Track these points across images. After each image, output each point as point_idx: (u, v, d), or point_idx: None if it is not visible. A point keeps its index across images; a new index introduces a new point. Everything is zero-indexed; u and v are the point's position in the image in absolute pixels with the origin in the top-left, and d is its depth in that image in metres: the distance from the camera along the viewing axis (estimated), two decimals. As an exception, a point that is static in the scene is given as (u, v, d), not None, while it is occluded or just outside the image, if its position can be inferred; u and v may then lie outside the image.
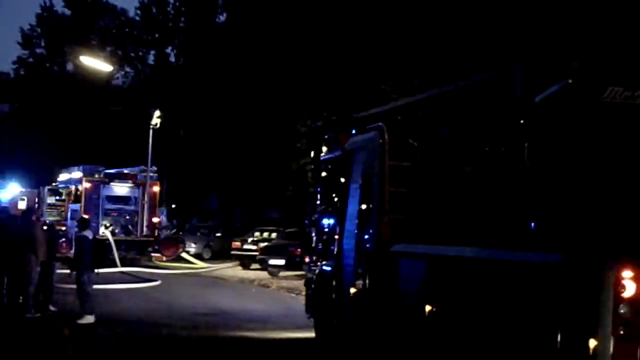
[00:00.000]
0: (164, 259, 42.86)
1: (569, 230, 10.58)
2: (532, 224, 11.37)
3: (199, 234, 52.60)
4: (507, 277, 11.31)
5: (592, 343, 9.55)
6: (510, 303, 11.10)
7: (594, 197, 10.55)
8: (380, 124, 15.77)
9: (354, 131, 17.46)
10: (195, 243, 50.23)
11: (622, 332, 9.46)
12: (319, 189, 19.38)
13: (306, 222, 20.04)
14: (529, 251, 10.91)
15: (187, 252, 45.92)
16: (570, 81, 10.73)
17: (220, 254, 48.21)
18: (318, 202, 19.15)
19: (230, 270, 41.96)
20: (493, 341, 11.42)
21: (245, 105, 53.27)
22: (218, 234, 52.43)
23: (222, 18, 67.73)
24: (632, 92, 10.37)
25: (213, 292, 30.61)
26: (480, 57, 25.17)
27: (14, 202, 39.57)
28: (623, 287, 9.44)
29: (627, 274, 9.45)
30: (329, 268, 17.45)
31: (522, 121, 11.53)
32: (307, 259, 20.59)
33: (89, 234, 20.79)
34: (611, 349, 9.45)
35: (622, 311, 9.47)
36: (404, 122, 15.93)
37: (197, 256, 47.49)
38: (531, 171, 11.44)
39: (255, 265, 41.43)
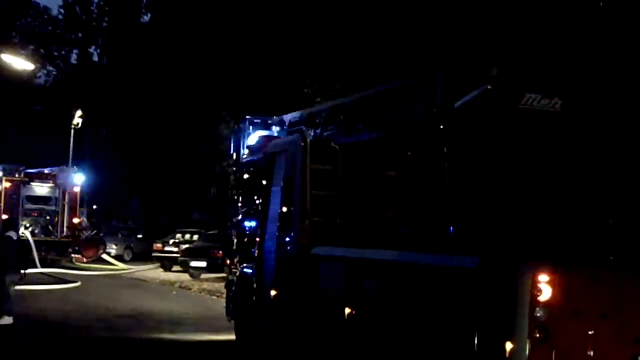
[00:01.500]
0: (85, 260, 42.38)
1: (486, 234, 10.71)
2: (451, 228, 11.50)
3: (120, 235, 52.12)
4: (425, 281, 11.41)
5: (509, 346, 9.68)
6: (429, 306, 11.19)
7: (511, 202, 10.69)
8: (302, 127, 15.79)
9: (276, 134, 17.46)
10: (116, 245, 49.80)
11: (538, 336, 9.60)
12: (240, 192, 19.34)
13: (228, 224, 19.99)
14: (448, 255, 11.02)
15: (108, 254, 45.46)
16: (489, 87, 10.86)
17: (142, 256, 47.84)
18: (240, 204, 19.12)
19: (151, 272, 41.64)
20: (412, 344, 11.51)
21: (169, 107, 52.96)
22: (140, 236, 52.04)
23: (147, 18, 67.29)
24: (549, 99, 10.54)
25: (133, 294, 30.34)
26: (404, 62, 25.36)
27: None
28: (539, 290, 9.58)
29: (543, 278, 9.59)
30: (250, 271, 17.43)
31: (442, 126, 11.65)
32: (228, 262, 20.54)
33: (13, 234, 20.46)
34: (527, 352, 9.58)
35: (538, 315, 9.61)
36: (326, 126, 15.99)
37: (119, 258, 47.07)
38: (450, 176, 11.58)
39: (176, 268, 41.18)
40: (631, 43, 11.18)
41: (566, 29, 13.14)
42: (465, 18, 25.05)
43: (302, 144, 15.36)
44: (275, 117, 18.73)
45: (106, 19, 70.67)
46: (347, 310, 13.31)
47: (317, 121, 16.56)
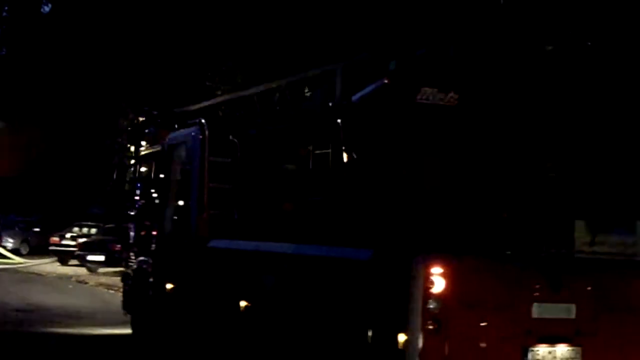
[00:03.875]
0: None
1: (379, 226, 10.77)
2: (347, 221, 11.55)
3: (16, 228, 51.18)
4: (320, 273, 11.45)
5: (402, 338, 9.74)
6: (324, 299, 11.22)
7: (404, 194, 10.76)
8: (201, 119, 15.72)
9: (175, 126, 17.35)
10: (12, 238, 48.92)
11: (430, 327, 9.67)
12: (139, 185, 19.17)
13: (125, 217, 19.82)
14: (342, 247, 11.06)
15: (4, 247, 44.72)
16: (386, 81, 10.93)
17: (39, 249, 47.13)
18: (138, 197, 18.94)
19: (48, 266, 41.08)
20: (308, 337, 11.52)
21: (68, 98, 52.22)
22: (36, 229, 51.21)
23: (47, 9, 66.20)
24: (445, 93, 10.63)
25: (29, 287, 29.89)
26: (305, 55, 25.39)
27: None
28: (432, 282, 9.66)
29: (435, 270, 9.67)
30: (146, 264, 17.29)
31: (339, 120, 11.69)
32: (125, 255, 20.36)
33: None
34: (420, 344, 9.66)
35: (430, 307, 9.68)
36: (225, 118, 15.94)
37: (15, 251, 46.24)
38: (346, 169, 11.63)
39: (74, 261, 40.68)
40: (527, 37, 11.32)
41: (463, 24, 13.28)
42: (365, 12, 25.21)
43: (200, 137, 15.27)
44: (174, 109, 18.59)
45: (6, 8, 69.40)
46: (243, 303, 13.28)
47: (217, 113, 16.49)
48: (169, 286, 15.78)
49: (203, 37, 33.83)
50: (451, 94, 10.67)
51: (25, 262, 42.32)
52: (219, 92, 28.57)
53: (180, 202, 15.92)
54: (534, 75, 11.19)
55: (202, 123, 15.53)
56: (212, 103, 17.69)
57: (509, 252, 10.74)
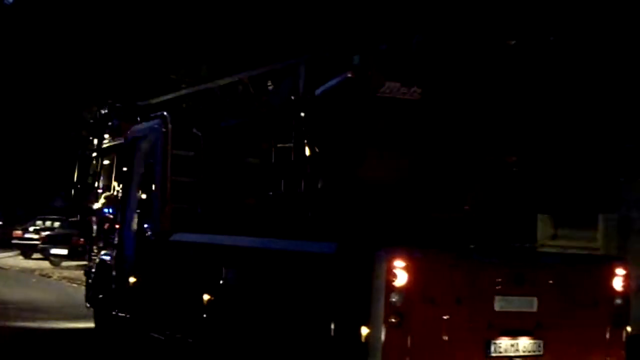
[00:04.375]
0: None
1: (343, 220, 10.78)
2: (311, 215, 11.56)
3: (-22, 222, 50.94)
4: (284, 267, 11.42)
5: (365, 331, 9.74)
6: (287, 293, 11.21)
7: (367, 188, 10.77)
8: (163, 112, 15.64)
9: (138, 119, 17.26)
10: (-26, 232, 48.62)
11: (393, 321, 9.69)
12: (101, 178, 19.05)
13: (88, 211, 19.69)
14: (306, 241, 11.06)
15: (-34, 241, 44.46)
16: (350, 75, 10.93)
17: (1, 243, 46.78)
18: (100, 190, 18.83)
19: (11, 259, 40.85)
20: (271, 331, 11.51)
21: (30, 91, 51.85)
22: (-1, 223, 50.95)
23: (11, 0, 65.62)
24: (408, 88, 10.65)
25: (-9, 281, 29.74)
26: (269, 49, 25.37)
27: None
28: (394, 276, 9.67)
29: (398, 263, 9.68)
30: (108, 257, 17.19)
31: (302, 113, 11.68)
32: (88, 248, 20.24)
33: None
34: (382, 337, 9.67)
35: (393, 300, 9.69)
36: (188, 111, 15.88)
37: (-23, 245, 46.02)
38: (309, 163, 11.63)
39: (37, 255, 40.45)
40: (489, 32, 11.38)
41: (426, 19, 13.31)
42: (330, 6, 25.21)
43: (163, 130, 15.20)
44: (137, 102, 18.48)
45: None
46: (206, 297, 13.24)
47: (181, 106, 16.43)
48: (131, 280, 15.70)
49: (167, 30, 33.68)
50: (414, 89, 10.69)
51: (-13, 256, 42.10)
52: (184, 86, 28.45)
53: (143, 196, 15.84)
54: (496, 70, 11.23)
55: (164, 116, 15.45)
56: (175, 96, 17.60)
57: (473, 246, 10.79)
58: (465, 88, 11.09)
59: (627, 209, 16.62)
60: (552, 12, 12.57)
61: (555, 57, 11.72)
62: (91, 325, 18.10)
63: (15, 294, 25.38)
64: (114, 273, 16.67)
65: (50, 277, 32.97)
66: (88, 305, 18.39)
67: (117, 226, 16.87)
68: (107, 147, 18.58)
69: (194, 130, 15.22)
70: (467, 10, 11.99)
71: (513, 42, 11.24)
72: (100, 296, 17.49)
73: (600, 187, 12.15)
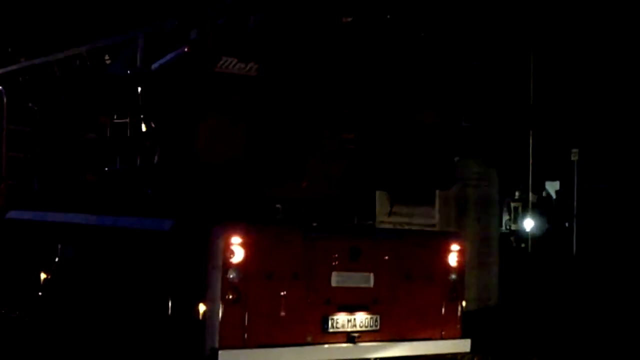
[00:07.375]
0: None
1: (180, 197, 10.70)
2: (148, 191, 11.43)
3: None
4: (122, 244, 11.30)
5: (202, 308, 9.71)
6: (126, 270, 11.10)
7: (203, 164, 10.67)
8: (-1, 86, 15.24)
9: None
10: None
11: (230, 297, 9.68)
12: None
13: None
14: (144, 218, 10.95)
15: None
16: (186, 50, 10.82)
17: None
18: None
19: None
20: (109, 309, 11.36)
21: None
22: None
23: None
24: (245, 63, 10.58)
25: None
26: (107, 22, 24.94)
27: None
28: (231, 252, 9.67)
29: (235, 239, 9.68)
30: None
31: (139, 88, 11.53)
32: None
33: None
34: (220, 314, 9.65)
35: (230, 276, 9.69)
36: (24, 85, 15.48)
37: None
38: (146, 138, 11.50)
39: None
40: (326, 8, 11.36)
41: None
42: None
43: (-1, 104, 14.83)
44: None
45: None
46: (43, 276, 12.98)
47: (17, 80, 16.01)
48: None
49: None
50: (251, 64, 10.64)
51: None
52: (22, 59, 27.71)
53: (-23, 172, 15.41)
54: (334, 46, 11.27)
55: (0, 90, 15.06)
56: (13, 69, 17.13)
57: (310, 223, 10.83)
58: (303, 65, 11.09)
59: (462, 186, 17.08)
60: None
61: (393, 35, 11.81)
62: None
63: None
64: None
65: None
66: None
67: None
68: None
69: (30, 104, 14.86)
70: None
71: (349, 20, 11.29)
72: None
73: (437, 165, 12.32)
